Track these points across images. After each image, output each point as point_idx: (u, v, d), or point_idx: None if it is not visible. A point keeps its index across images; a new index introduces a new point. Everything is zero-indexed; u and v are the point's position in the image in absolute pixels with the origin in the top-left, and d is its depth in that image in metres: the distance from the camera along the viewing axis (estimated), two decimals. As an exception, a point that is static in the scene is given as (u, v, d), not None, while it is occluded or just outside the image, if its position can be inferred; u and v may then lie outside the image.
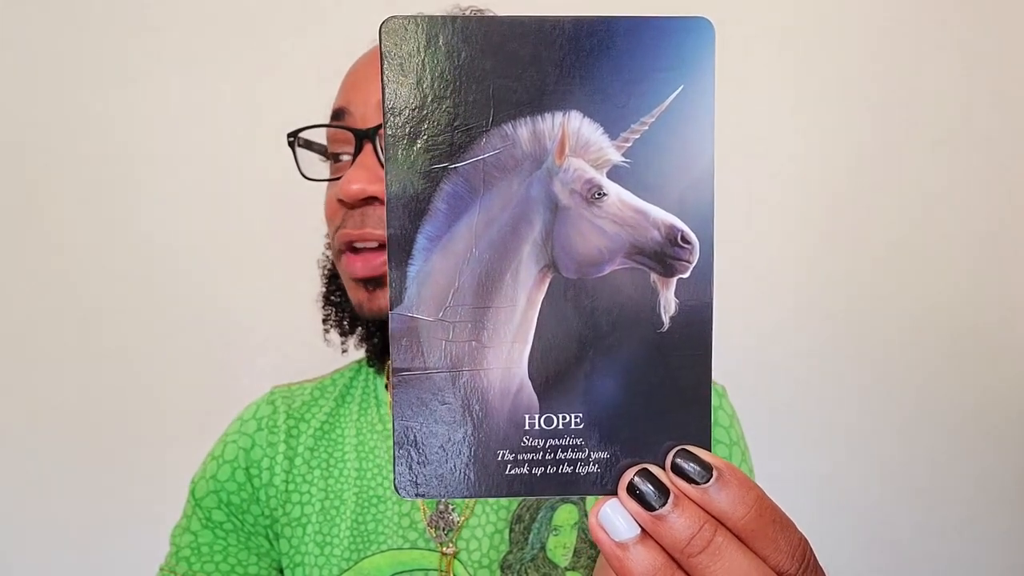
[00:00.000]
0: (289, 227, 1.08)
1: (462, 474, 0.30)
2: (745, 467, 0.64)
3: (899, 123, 1.25)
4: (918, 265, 1.27)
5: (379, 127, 0.55)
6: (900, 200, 1.26)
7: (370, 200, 0.56)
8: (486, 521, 0.59)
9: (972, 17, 1.25)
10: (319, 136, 0.63)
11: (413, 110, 0.29)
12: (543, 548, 0.59)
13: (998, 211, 1.28)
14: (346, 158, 0.60)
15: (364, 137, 0.56)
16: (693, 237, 0.30)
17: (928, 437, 1.29)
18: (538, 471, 0.30)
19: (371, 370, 0.69)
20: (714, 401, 0.64)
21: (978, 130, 1.26)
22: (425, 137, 0.29)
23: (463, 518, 0.60)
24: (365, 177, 0.55)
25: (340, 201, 0.57)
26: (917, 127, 1.25)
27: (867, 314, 1.27)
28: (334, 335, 0.70)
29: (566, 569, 0.58)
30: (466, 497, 0.30)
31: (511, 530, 0.59)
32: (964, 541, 1.30)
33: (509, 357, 0.30)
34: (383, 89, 0.29)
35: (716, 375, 0.66)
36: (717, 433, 0.63)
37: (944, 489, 1.30)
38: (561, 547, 0.59)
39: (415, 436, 0.30)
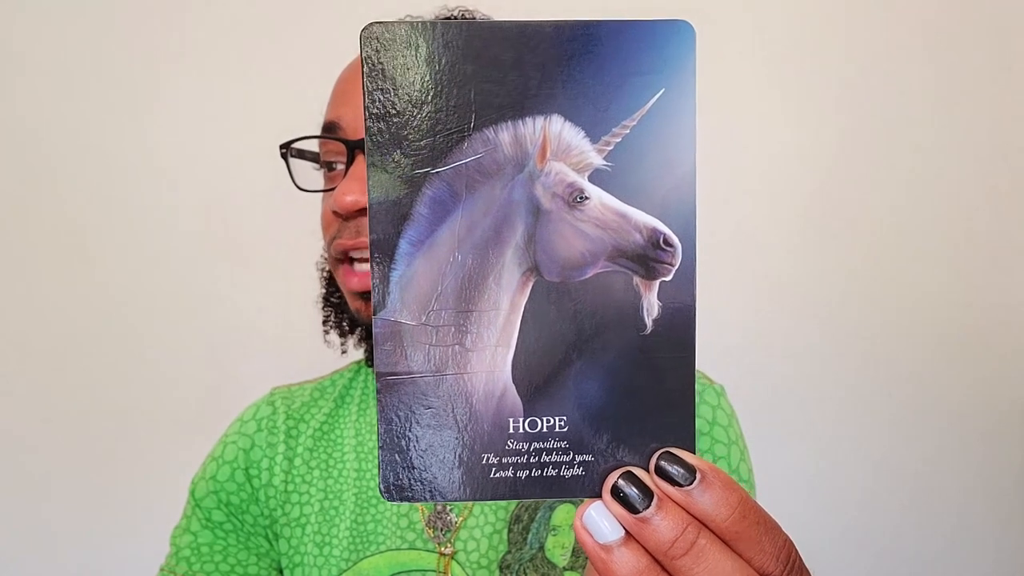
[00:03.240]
0: (289, 229, 1.08)
1: (447, 478, 0.30)
2: (744, 467, 0.63)
3: (886, 121, 1.25)
4: (908, 263, 1.27)
5: None
6: (889, 198, 1.26)
7: (365, 211, 0.56)
8: (484, 522, 0.60)
9: (959, 15, 1.24)
10: (312, 144, 0.63)
11: (394, 116, 0.29)
12: (541, 548, 0.59)
13: (989, 207, 1.27)
14: (339, 167, 0.60)
15: (356, 148, 0.56)
16: (675, 240, 0.30)
17: (921, 435, 1.29)
18: (523, 474, 0.30)
19: (370, 371, 0.69)
20: (713, 400, 0.64)
21: (971, 127, 1.26)
22: (407, 142, 0.29)
23: (461, 519, 0.60)
24: (359, 188, 0.55)
25: (335, 212, 0.57)
26: (905, 124, 1.25)
27: (857, 313, 1.27)
28: (334, 336, 0.70)
29: (564, 569, 0.58)
30: (451, 501, 0.30)
31: (509, 530, 0.59)
32: (957, 540, 1.30)
33: (493, 361, 0.30)
34: (364, 95, 0.29)
35: (710, 374, 0.66)
36: (716, 433, 0.62)
37: (938, 488, 1.29)
38: (559, 547, 0.59)
39: (399, 440, 0.30)
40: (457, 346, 0.30)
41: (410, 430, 0.30)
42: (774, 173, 1.24)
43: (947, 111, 1.25)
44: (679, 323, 0.30)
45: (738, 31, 1.21)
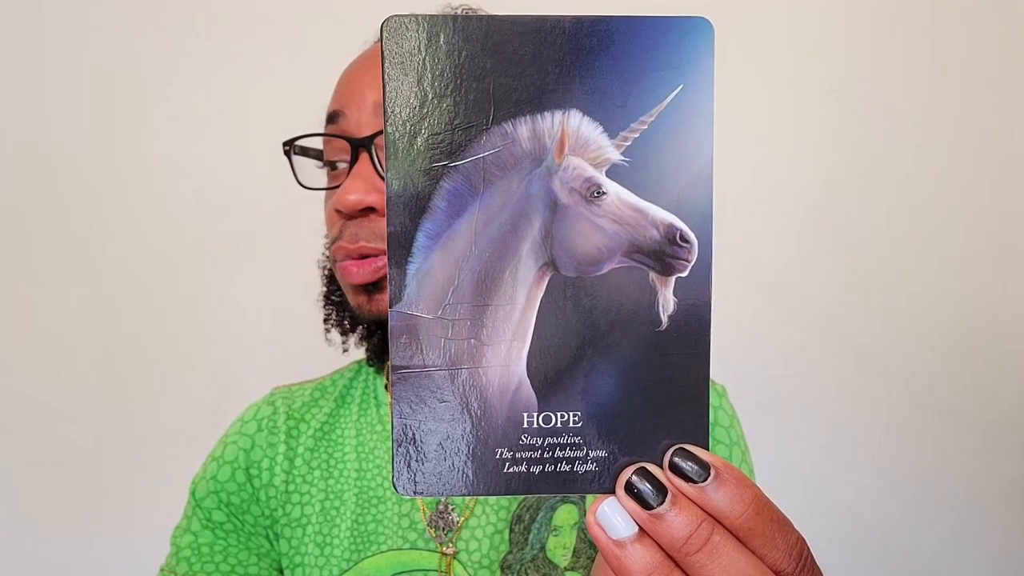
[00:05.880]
0: (289, 227, 1.08)
1: (460, 472, 0.30)
2: (745, 467, 0.64)
3: (892, 120, 1.26)
4: (907, 264, 1.28)
5: (375, 136, 0.55)
6: (889, 198, 1.27)
7: (367, 211, 0.56)
8: (486, 521, 0.59)
9: (960, 14, 1.25)
10: (315, 141, 0.63)
11: (414, 108, 0.29)
12: (543, 548, 0.59)
13: (989, 207, 1.28)
14: (343, 165, 0.59)
15: (360, 146, 0.55)
16: (692, 236, 0.30)
17: (920, 435, 1.29)
18: (536, 469, 0.30)
19: (371, 370, 0.69)
20: (714, 401, 0.64)
21: (971, 127, 1.27)
22: (426, 135, 0.29)
23: (463, 518, 0.59)
24: (362, 188, 0.54)
25: (338, 211, 0.57)
26: (905, 125, 1.26)
27: (857, 313, 1.27)
28: (335, 334, 0.70)
29: (565, 569, 0.58)
30: (464, 495, 0.30)
31: (511, 530, 0.59)
32: (957, 540, 1.30)
33: (508, 355, 0.30)
34: (384, 87, 0.29)
35: (711, 374, 0.66)
36: (717, 433, 0.63)
37: (938, 488, 1.30)
38: (561, 547, 0.59)
39: (414, 434, 0.30)
40: (472, 340, 0.30)
41: (424, 424, 0.30)
42: (773, 173, 1.25)
43: (948, 111, 1.26)
44: (694, 319, 0.30)
45: (737, 29, 1.21)
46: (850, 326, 1.27)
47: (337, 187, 0.59)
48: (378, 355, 0.65)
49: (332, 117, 0.59)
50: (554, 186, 0.30)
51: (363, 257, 0.57)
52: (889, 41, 1.25)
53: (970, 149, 1.27)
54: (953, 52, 1.26)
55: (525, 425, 0.30)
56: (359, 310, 0.59)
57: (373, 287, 0.57)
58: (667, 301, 0.30)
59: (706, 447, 0.30)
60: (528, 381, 0.30)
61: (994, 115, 1.27)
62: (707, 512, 0.28)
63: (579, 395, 0.30)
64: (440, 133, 0.29)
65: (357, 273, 0.57)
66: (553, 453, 0.30)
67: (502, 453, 0.30)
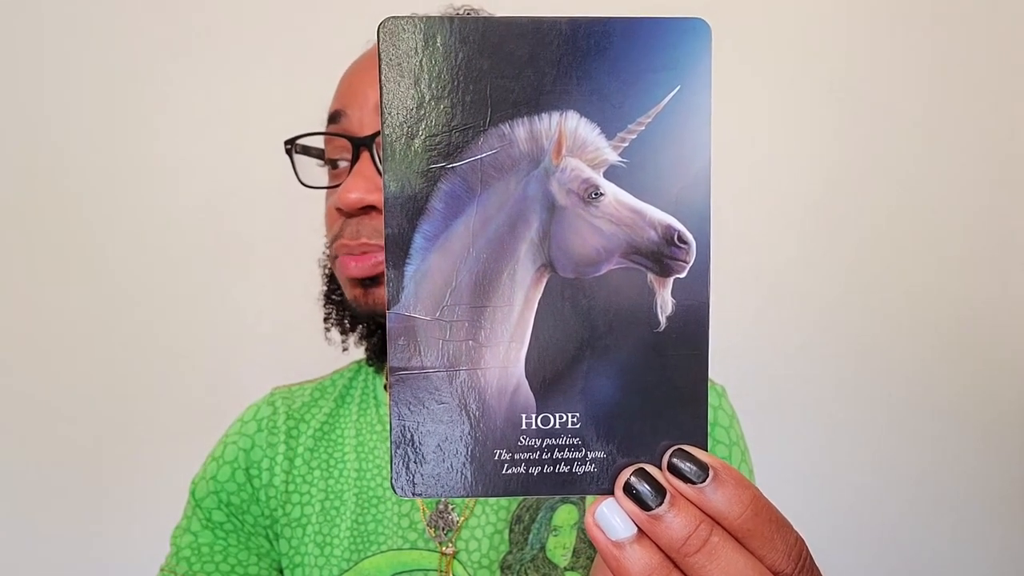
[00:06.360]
0: (289, 227, 1.08)
1: (459, 474, 0.30)
2: (745, 467, 0.64)
3: (892, 120, 1.26)
4: (907, 264, 1.28)
5: (376, 135, 0.55)
6: (889, 198, 1.27)
7: (368, 209, 0.56)
8: (486, 521, 0.59)
9: (960, 14, 1.25)
10: (317, 140, 0.63)
11: (411, 110, 0.29)
12: (542, 548, 0.59)
13: (989, 208, 1.28)
14: (344, 164, 0.60)
15: (361, 145, 0.56)
16: (690, 237, 0.30)
17: (920, 435, 1.29)
18: (535, 471, 0.30)
19: (370, 370, 0.69)
20: (714, 401, 0.64)
21: (971, 127, 1.27)
22: (423, 137, 0.29)
23: (463, 518, 0.59)
24: (363, 186, 0.55)
25: (338, 209, 0.57)
26: (904, 125, 1.26)
27: (857, 313, 1.27)
28: (335, 333, 0.70)
29: (565, 569, 0.58)
30: (463, 496, 0.30)
31: (511, 530, 0.59)
32: (957, 540, 1.30)
33: (506, 356, 0.30)
34: (381, 89, 0.29)
35: (711, 374, 0.66)
36: (717, 433, 0.63)
37: (938, 488, 1.30)
38: (560, 547, 0.59)
39: (412, 435, 0.30)
40: (470, 341, 0.30)
41: (422, 425, 0.30)
42: (773, 174, 1.25)
43: (948, 111, 1.26)
44: (693, 320, 0.30)
45: (735, 30, 1.21)
46: (850, 326, 1.27)
47: (338, 186, 0.59)
48: (378, 354, 0.65)
49: (334, 116, 0.59)
50: (552, 187, 0.30)
51: (363, 253, 0.57)
52: (889, 41, 1.25)
53: (970, 149, 1.27)
54: (953, 52, 1.26)
55: (523, 426, 0.30)
56: (355, 303, 0.59)
57: (370, 281, 0.58)
58: (665, 302, 0.30)
59: (705, 448, 0.30)
60: (526, 382, 0.30)
61: (994, 115, 1.27)
62: (706, 513, 0.28)
63: (577, 396, 0.30)
64: (437, 135, 0.29)
65: (355, 268, 0.57)
66: (552, 454, 0.30)
67: (501, 455, 0.30)
